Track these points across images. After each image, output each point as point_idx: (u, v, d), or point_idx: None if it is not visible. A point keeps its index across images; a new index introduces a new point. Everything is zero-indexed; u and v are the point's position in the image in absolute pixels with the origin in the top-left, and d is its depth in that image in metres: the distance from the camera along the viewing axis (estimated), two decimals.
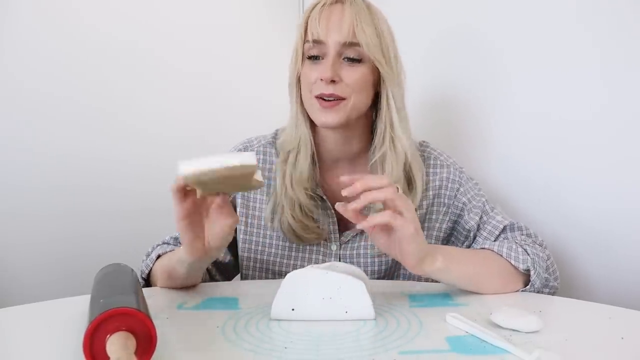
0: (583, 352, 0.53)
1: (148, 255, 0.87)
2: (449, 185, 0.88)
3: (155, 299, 0.71)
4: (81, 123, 1.21)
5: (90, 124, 1.22)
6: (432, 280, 0.86)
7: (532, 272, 0.75)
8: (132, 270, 0.67)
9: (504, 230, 0.85)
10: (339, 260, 0.87)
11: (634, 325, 0.62)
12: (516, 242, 0.80)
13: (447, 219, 0.89)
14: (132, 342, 0.48)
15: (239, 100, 1.37)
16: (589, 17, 0.88)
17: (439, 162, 0.89)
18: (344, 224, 0.87)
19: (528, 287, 0.76)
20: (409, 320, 0.62)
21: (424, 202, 0.88)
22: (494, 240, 0.84)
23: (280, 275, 0.87)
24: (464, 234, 0.88)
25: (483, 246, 0.79)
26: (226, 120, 1.18)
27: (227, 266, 0.91)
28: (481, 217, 0.86)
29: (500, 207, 0.89)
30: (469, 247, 0.87)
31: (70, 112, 1.20)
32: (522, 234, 0.84)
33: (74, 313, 0.61)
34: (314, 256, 0.87)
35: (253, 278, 0.89)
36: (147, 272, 0.81)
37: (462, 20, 1.17)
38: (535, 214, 0.99)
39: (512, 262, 0.75)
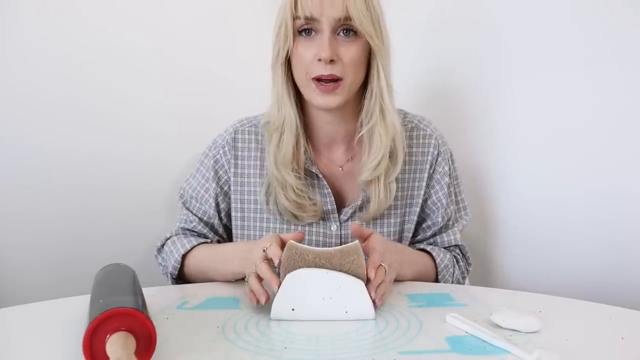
0: (583, 352, 0.53)
1: (159, 250, 0.92)
2: (444, 179, 0.91)
3: (155, 299, 0.71)
4: (81, 123, 1.21)
5: (90, 123, 1.22)
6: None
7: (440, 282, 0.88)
8: (132, 270, 0.67)
9: (455, 246, 0.94)
10: (341, 241, 0.87)
11: (634, 325, 0.62)
12: (454, 261, 0.91)
13: (423, 192, 0.91)
14: (132, 342, 0.48)
15: (238, 93, 1.36)
16: (585, 17, 0.88)
17: (434, 142, 0.91)
18: (341, 199, 0.88)
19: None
20: (409, 320, 0.62)
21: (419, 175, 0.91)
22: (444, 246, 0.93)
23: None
24: (426, 226, 0.94)
25: (430, 251, 0.88)
26: (226, 116, 1.17)
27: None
28: (447, 223, 0.93)
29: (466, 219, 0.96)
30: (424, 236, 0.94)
31: (69, 111, 1.19)
32: (463, 255, 0.95)
33: (74, 313, 0.61)
34: (314, 237, 0.87)
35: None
36: (176, 273, 0.86)
37: (461, 9, 1.17)
38: (535, 212, 0.99)
39: (439, 276, 0.87)
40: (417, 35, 1.25)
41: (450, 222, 0.93)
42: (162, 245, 0.93)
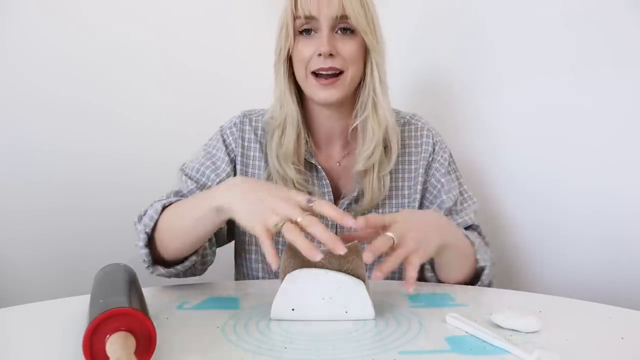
0: (583, 352, 0.53)
1: (140, 218, 0.78)
2: (440, 167, 0.91)
3: (155, 299, 0.71)
4: (81, 120, 1.21)
5: (90, 120, 1.22)
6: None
7: (486, 271, 0.81)
8: (133, 270, 0.67)
9: (470, 227, 0.90)
10: (336, 231, 0.88)
11: (634, 325, 0.62)
12: (483, 240, 0.87)
13: (420, 187, 0.91)
14: (131, 342, 0.48)
15: (243, 93, 1.36)
16: (575, 16, 0.88)
17: (426, 133, 0.92)
18: (338, 193, 0.90)
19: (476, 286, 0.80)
20: (409, 320, 0.62)
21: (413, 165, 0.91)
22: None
23: (279, 245, 0.87)
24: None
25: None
26: (230, 115, 1.16)
27: (219, 234, 0.88)
28: (455, 203, 0.90)
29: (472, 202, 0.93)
30: None
31: (70, 108, 1.20)
32: (480, 236, 0.89)
33: (74, 313, 0.61)
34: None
35: (250, 251, 0.89)
36: (152, 225, 0.73)
37: (450, 8, 1.17)
38: (532, 212, 0.99)
39: (477, 256, 0.80)
40: (407, 35, 1.26)
41: (459, 206, 0.91)
42: (145, 212, 0.78)
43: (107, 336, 0.48)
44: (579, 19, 0.88)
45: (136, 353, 0.48)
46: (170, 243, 0.73)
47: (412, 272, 0.63)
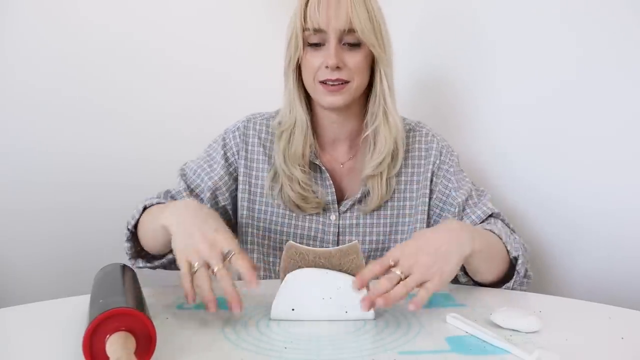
0: (583, 352, 0.53)
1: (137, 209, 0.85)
2: (443, 168, 0.91)
3: (155, 299, 0.71)
4: (81, 120, 1.21)
5: (90, 120, 1.22)
6: None
7: (520, 260, 0.77)
8: (133, 270, 0.67)
9: (491, 216, 0.88)
10: (338, 230, 0.89)
11: (634, 325, 0.62)
12: (508, 228, 0.84)
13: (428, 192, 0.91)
14: (131, 342, 0.48)
15: (247, 93, 1.37)
16: (576, 17, 0.88)
17: (430, 139, 0.93)
18: (341, 194, 0.91)
19: (513, 279, 0.77)
20: (409, 320, 0.62)
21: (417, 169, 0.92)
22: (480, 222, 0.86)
23: (281, 243, 0.89)
24: (452, 211, 0.89)
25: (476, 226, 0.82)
26: (234, 115, 1.17)
27: None
28: (470, 196, 0.89)
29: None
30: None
31: (69, 108, 1.20)
32: (504, 222, 0.87)
33: (74, 313, 0.61)
34: (313, 225, 0.90)
35: (250, 251, 0.91)
36: (133, 223, 0.81)
37: (449, 9, 1.17)
38: (532, 212, 0.99)
39: (508, 247, 0.78)
40: (408, 35, 1.26)
41: (476, 199, 0.90)
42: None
43: (107, 336, 0.48)
44: (580, 19, 0.88)
45: (136, 353, 0.48)
46: (146, 242, 0.80)
47: (423, 294, 0.59)
